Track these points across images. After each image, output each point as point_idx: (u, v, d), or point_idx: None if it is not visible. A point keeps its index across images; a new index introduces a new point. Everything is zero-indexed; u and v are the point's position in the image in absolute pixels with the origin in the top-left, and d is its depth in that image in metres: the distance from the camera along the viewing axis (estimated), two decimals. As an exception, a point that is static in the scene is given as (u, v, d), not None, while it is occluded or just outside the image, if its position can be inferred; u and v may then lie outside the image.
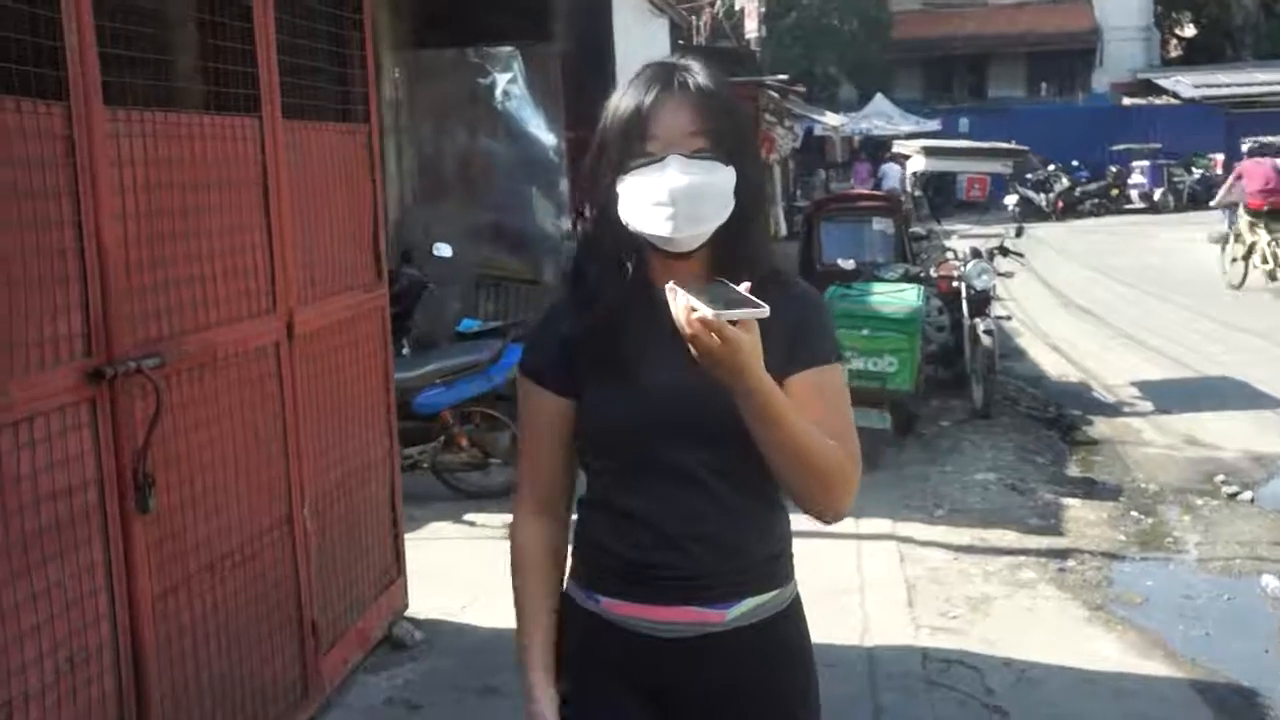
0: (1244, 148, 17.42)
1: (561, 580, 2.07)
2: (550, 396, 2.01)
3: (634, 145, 1.89)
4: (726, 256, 1.94)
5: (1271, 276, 15.31)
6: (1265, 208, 15.27)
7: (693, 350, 1.72)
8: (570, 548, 2.07)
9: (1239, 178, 16.14)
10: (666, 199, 1.85)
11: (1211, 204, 20.98)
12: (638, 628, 1.96)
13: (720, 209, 1.90)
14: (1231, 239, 16.03)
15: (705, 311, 1.68)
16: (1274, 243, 15.21)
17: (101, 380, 2.95)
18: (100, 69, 3.00)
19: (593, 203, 1.99)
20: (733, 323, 1.69)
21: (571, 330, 1.99)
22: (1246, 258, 15.66)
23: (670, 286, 1.75)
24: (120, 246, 3.07)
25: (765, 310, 1.70)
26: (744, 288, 1.77)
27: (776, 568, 2.01)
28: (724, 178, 1.89)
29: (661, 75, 1.92)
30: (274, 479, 3.91)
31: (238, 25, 3.78)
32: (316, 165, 4.28)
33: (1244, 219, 15.74)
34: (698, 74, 1.93)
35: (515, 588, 2.06)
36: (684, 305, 1.71)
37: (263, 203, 3.85)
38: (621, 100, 1.93)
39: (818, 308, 2.03)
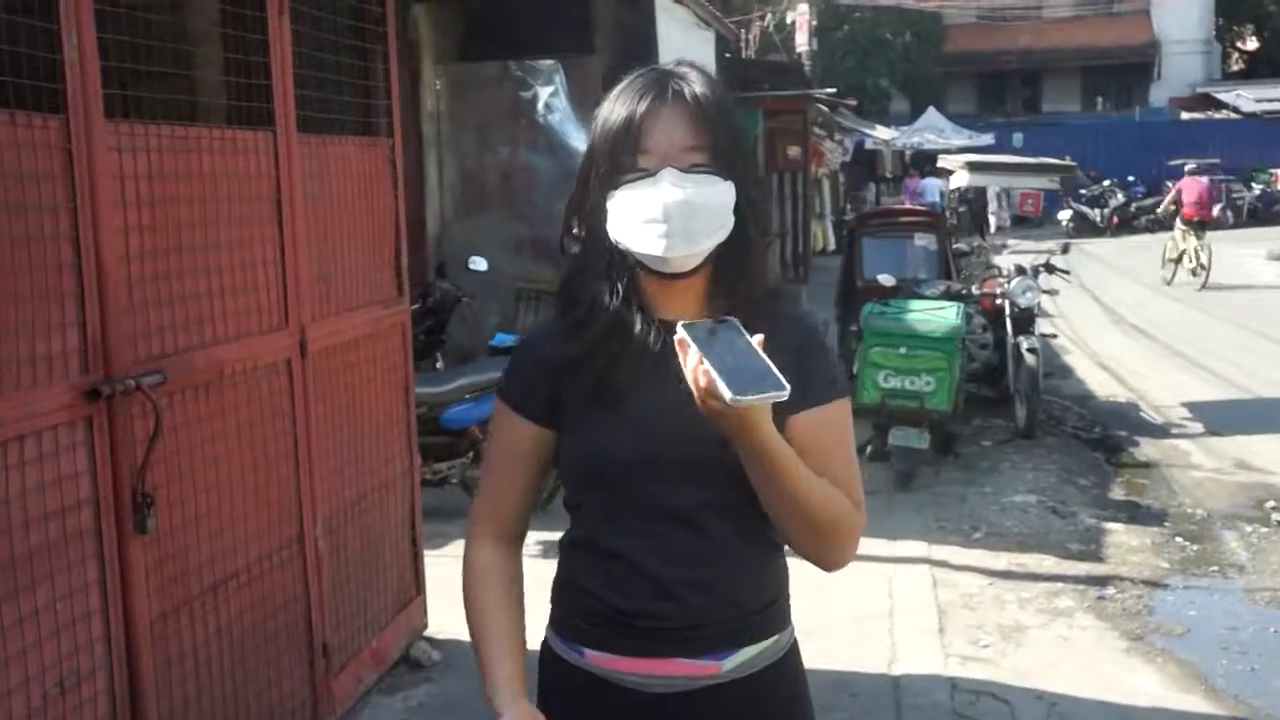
0: (1186, 168, 20.57)
1: (522, 602, 1.94)
2: (526, 424, 1.89)
3: (625, 159, 1.76)
4: (725, 279, 1.82)
5: (1194, 274, 18.29)
6: (1195, 218, 18.59)
7: (700, 407, 1.64)
8: (550, 594, 1.95)
9: (1178, 192, 19.48)
10: (659, 215, 1.72)
11: (1157, 211, 24.67)
12: (623, 682, 1.83)
13: (717, 227, 1.77)
14: (1168, 244, 19.29)
15: (723, 392, 1.57)
16: (1199, 249, 18.27)
17: (98, 398, 2.90)
18: (102, 82, 2.96)
19: (580, 219, 1.86)
20: None
21: (556, 356, 1.85)
22: (1177, 260, 18.86)
23: (680, 337, 1.64)
24: (122, 262, 3.02)
25: (786, 391, 1.59)
26: (757, 340, 1.65)
27: (774, 613, 1.89)
28: (722, 193, 1.76)
29: (655, 83, 1.79)
30: (284, 498, 3.85)
31: (253, 39, 3.74)
32: (335, 179, 4.23)
33: (1179, 228, 18.94)
34: (694, 82, 1.79)
35: (474, 610, 1.91)
36: (694, 364, 1.61)
37: (275, 217, 3.80)
38: (612, 110, 1.80)
39: (819, 339, 1.90)
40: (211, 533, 3.43)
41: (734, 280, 1.82)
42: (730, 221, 1.78)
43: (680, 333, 1.65)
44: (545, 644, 1.94)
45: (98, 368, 2.92)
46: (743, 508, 1.78)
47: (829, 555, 1.81)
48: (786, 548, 1.88)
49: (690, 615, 1.80)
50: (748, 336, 1.67)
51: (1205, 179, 19.77)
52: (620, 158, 1.77)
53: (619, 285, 1.82)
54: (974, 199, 23.12)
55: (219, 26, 3.89)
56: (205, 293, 3.43)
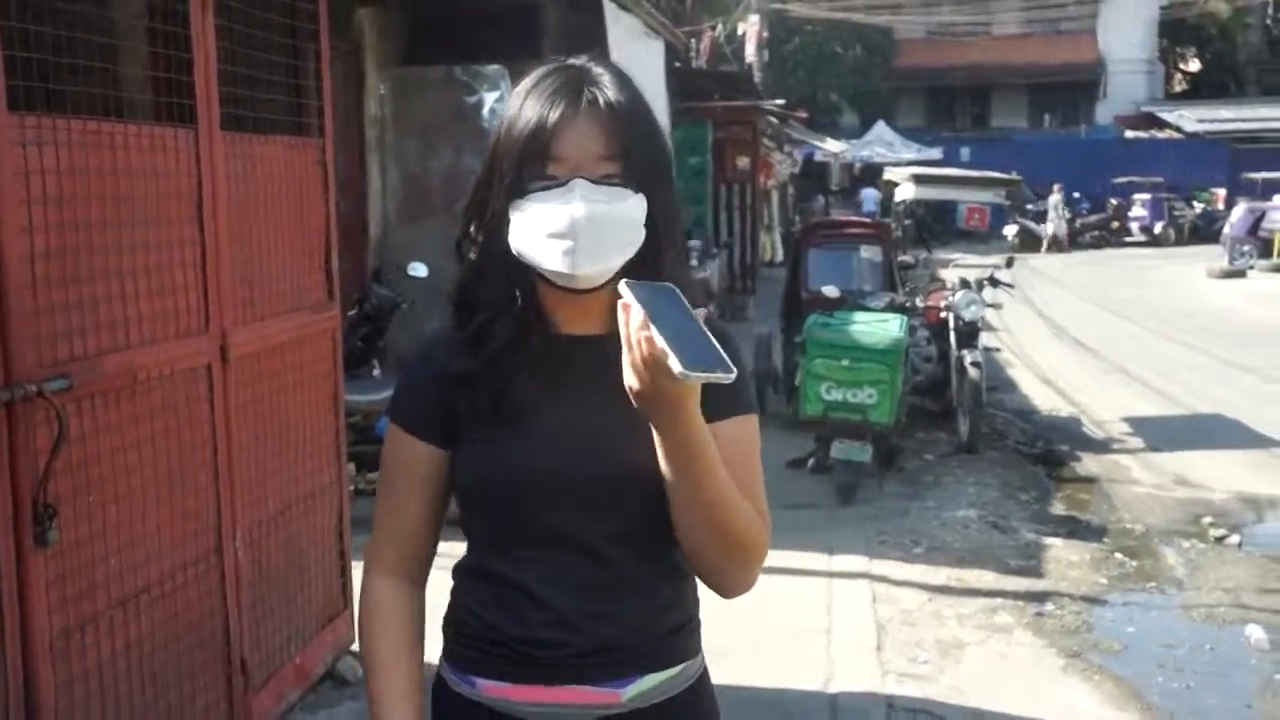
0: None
1: (423, 648, 1.83)
2: (421, 445, 1.76)
3: (534, 167, 1.65)
4: None
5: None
6: None
7: (629, 380, 1.50)
8: (442, 623, 1.83)
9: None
10: (565, 229, 1.62)
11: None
12: (517, 711, 1.71)
13: (627, 243, 1.67)
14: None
15: (673, 363, 1.43)
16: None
17: (-4, 404, 2.77)
18: (17, 75, 2.83)
19: (480, 226, 1.73)
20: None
21: (451, 369, 1.73)
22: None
23: (622, 301, 1.50)
24: (25, 261, 2.87)
25: (733, 375, 1.46)
26: (700, 315, 1.53)
27: (680, 640, 1.77)
28: (632, 206, 1.66)
29: (568, 87, 1.68)
30: (202, 509, 3.71)
31: (175, 32, 3.61)
32: (261, 180, 4.10)
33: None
34: (609, 87, 1.68)
35: (369, 656, 1.80)
36: (638, 327, 1.47)
37: (196, 217, 3.66)
38: (521, 112, 1.68)
39: (735, 351, 1.77)
40: (121, 545, 3.28)
41: None
42: (641, 236, 1.69)
43: (623, 290, 1.52)
44: (438, 676, 1.82)
45: (-4, 372, 2.78)
46: (649, 537, 1.68)
47: (735, 575, 1.68)
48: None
49: (590, 643, 1.69)
50: (689, 307, 1.54)
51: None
52: (529, 164, 1.66)
53: (519, 295, 1.71)
54: (923, 213, 23.26)
55: (142, 20, 3.76)
56: (119, 295, 3.28)
